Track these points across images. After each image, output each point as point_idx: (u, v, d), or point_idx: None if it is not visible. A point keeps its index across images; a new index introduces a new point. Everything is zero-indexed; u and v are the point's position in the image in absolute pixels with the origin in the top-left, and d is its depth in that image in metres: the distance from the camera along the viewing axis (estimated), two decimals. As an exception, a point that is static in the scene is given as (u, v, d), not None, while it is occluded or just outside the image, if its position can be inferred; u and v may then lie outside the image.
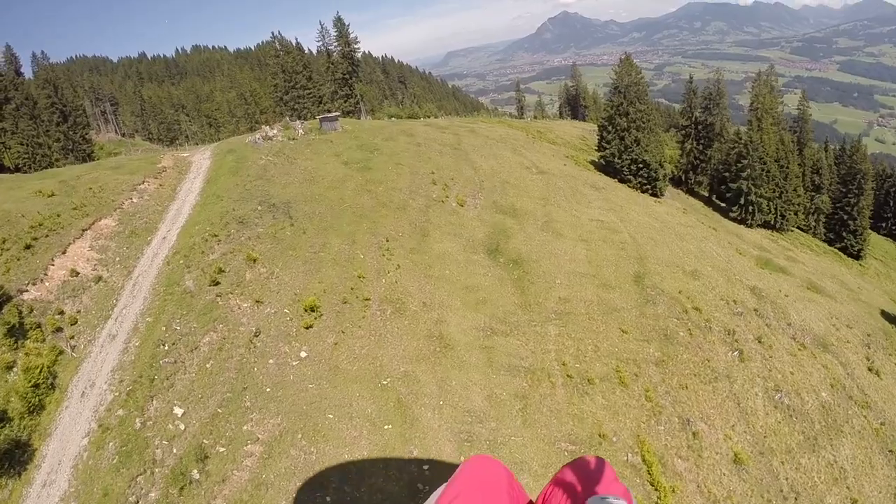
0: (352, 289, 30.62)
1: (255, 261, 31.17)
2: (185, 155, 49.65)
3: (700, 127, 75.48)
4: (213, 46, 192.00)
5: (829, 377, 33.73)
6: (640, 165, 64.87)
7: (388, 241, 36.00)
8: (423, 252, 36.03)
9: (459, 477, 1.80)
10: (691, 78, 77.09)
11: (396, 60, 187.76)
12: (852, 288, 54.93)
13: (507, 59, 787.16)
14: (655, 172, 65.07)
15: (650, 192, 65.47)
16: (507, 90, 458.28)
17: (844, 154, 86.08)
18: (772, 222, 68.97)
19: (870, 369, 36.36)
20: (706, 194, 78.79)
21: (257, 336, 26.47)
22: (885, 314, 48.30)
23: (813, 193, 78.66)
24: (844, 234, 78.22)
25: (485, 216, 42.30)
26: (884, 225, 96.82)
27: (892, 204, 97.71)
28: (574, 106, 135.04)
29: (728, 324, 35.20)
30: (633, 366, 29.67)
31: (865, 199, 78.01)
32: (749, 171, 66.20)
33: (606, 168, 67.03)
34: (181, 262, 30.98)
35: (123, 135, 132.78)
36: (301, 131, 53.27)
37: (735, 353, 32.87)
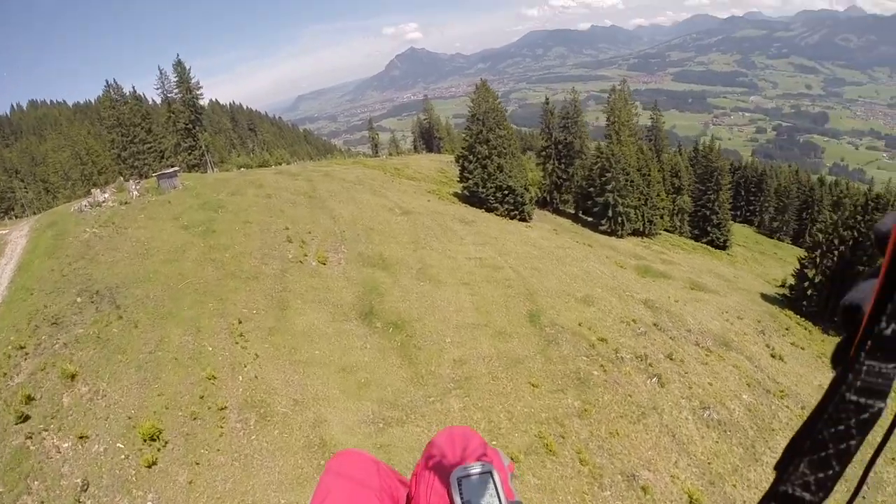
0: (201, 397, 23.43)
1: (73, 377, 23.34)
2: (3, 232, 40.25)
3: (560, 146, 74.35)
4: (52, 101, 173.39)
5: (742, 377, 32.25)
6: (506, 192, 62.58)
7: (240, 322, 28.88)
8: (285, 331, 29.33)
9: (324, 478, 1.70)
10: (547, 100, 75.90)
11: (245, 107, 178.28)
12: (729, 278, 55.71)
13: (358, 99, 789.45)
14: (522, 197, 63.03)
15: (518, 217, 63.30)
16: (359, 130, 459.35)
17: (698, 155, 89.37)
18: (641, 229, 68.94)
19: (773, 356, 35.93)
20: (573, 211, 78.04)
21: (85, 490, 18.98)
22: (764, 297, 50.19)
23: (674, 195, 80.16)
24: (709, 228, 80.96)
25: (352, 273, 36.49)
26: (738, 213, 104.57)
27: (743, 193, 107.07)
28: (428, 139, 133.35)
29: (636, 348, 32.29)
30: (556, 425, 25.18)
31: (724, 193, 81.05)
32: (614, 183, 65.53)
33: (471, 199, 64.19)
34: (-22, 393, 22.86)
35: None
36: (135, 193, 44.93)
37: (654, 380, 29.81)
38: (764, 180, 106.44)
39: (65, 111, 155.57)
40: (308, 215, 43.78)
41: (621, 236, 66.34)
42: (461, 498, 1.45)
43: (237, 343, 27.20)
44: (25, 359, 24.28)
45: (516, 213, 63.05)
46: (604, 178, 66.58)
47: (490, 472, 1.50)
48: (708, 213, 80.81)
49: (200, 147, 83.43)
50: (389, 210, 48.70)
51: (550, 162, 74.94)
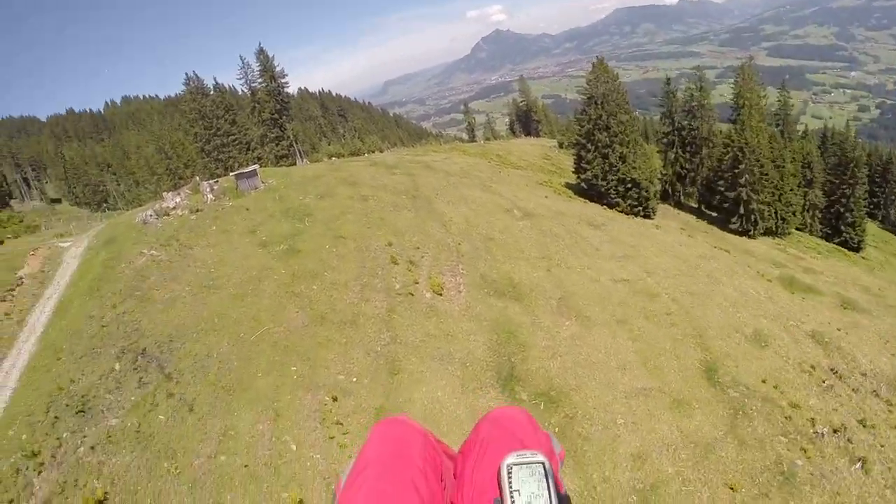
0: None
1: (100, 504, 15.35)
2: (65, 244, 33.03)
3: (684, 133, 64.25)
4: (144, 96, 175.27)
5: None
6: (629, 185, 53.70)
7: (335, 399, 20.10)
8: (399, 413, 18.92)
9: (367, 446, 1.49)
10: (668, 80, 66.11)
11: (335, 94, 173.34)
12: (875, 291, 44.45)
13: (445, 82, 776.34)
14: (646, 191, 54.02)
15: (642, 213, 54.49)
16: (447, 112, 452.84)
17: (827, 143, 77.10)
18: (773, 228, 58.78)
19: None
20: (695, 206, 67.89)
21: None
22: (915, 317, 39.38)
23: (806, 189, 68.60)
24: (843, 227, 69.73)
25: (477, 307, 27.12)
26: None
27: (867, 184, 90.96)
28: (526, 122, 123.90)
29: (828, 413, 23.33)
30: (770, 559, 16.87)
31: (860, 188, 69.12)
32: (747, 176, 55.36)
33: (589, 192, 55.79)
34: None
35: (50, 201, 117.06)
36: (210, 196, 36.70)
37: (858, 466, 21.17)
38: (890, 169, 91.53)
39: (156, 105, 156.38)
40: (414, 223, 35.24)
41: (753, 236, 56.52)
42: (510, 486, 1.30)
43: (332, 437, 18.56)
44: (40, 473, 16.06)
45: (640, 208, 54.26)
46: (736, 171, 56.46)
47: (542, 463, 1.33)
48: (842, 209, 69.39)
49: (288, 137, 77.61)
50: (507, 211, 40.64)
51: (673, 150, 64.82)
